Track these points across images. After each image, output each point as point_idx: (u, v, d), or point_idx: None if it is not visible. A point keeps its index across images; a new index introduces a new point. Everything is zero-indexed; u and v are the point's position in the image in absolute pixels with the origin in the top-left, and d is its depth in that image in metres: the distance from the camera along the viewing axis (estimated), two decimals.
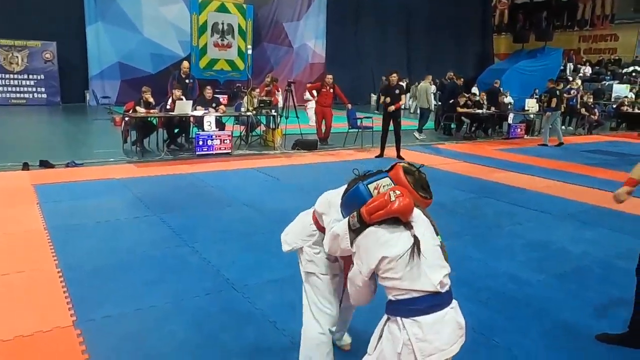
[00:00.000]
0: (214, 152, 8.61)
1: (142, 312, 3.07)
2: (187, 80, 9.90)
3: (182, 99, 8.56)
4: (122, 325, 2.91)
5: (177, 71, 10.14)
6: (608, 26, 25.01)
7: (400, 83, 9.81)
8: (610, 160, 9.89)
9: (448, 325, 1.59)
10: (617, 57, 24.31)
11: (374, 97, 19.61)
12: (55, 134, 10.76)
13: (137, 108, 8.29)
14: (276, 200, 5.86)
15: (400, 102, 9.16)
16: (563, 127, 15.75)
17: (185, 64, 10.27)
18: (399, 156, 9.00)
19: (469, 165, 8.61)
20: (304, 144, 9.67)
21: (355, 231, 1.68)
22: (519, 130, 12.95)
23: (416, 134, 11.94)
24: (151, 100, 8.54)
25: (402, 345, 1.57)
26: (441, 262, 1.66)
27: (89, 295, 3.25)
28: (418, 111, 13.48)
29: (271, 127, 9.86)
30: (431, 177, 1.98)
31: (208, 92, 9.27)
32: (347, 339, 2.74)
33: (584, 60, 24.99)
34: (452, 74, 13.70)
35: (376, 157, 9.12)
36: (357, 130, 10.35)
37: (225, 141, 8.76)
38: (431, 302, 1.58)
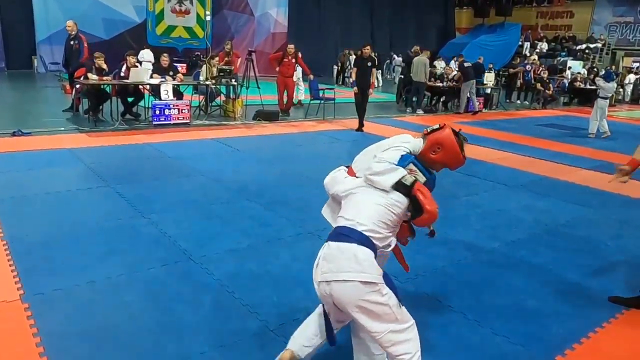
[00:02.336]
0: (172, 122, 8.34)
1: (95, 284, 2.98)
2: (71, 42, 8.82)
3: (137, 66, 8.21)
4: (73, 298, 2.81)
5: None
6: (564, 3, 25.58)
7: (372, 56, 9.72)
8: (561, 134, 10.28)
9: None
10: (572, 35, 24.96)
11: (336, 68, 19.39)
12: (0, 101, 10.12)
13: (89, 75, 7.89)
14: (236, 171, 5.76)
15: (373, 80, 9.22)
16: (519, 101, 16.21)
17: (69, 22, 8.86)
18: (360, 128, 9.01)
19: None
20: (265, 115, 9.52)
21: (399, 184, 1.93)
22: (477, 103, 13.18)
23: (419, 111, 12.16)
24: (104, 66, 8.15)
25: None
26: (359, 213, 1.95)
27: (37, 268, 3.11)
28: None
29: (231, 97, 9.62)
30: None
31: (164, 59, 8.90)
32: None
33: (541, 36, 25.53)
34: (417, 47, 13.68)
35: (356, 130, 9.03)
36: (319, 101, 10.27)
37: (183, 111, 8.50)
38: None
